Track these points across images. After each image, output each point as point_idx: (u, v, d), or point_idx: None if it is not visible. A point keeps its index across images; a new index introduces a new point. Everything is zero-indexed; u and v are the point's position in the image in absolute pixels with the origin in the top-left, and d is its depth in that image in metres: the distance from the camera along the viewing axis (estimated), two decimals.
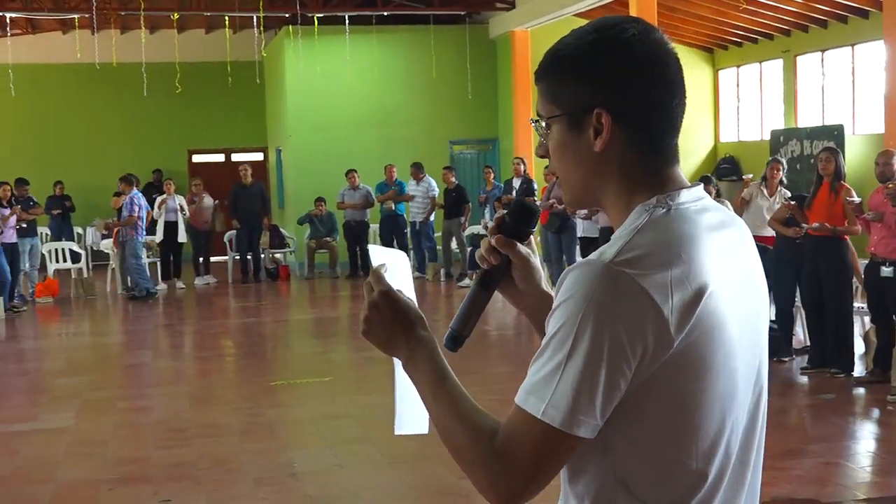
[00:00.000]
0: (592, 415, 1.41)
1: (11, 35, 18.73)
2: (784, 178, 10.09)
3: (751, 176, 14.94)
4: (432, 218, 16.46)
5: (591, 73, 1.53)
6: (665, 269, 1.42)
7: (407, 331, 1.64)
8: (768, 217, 9.87)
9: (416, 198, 16.40)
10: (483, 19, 19.29)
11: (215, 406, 8.35)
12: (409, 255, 14.51)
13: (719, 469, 1.51)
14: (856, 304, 8.97)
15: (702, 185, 1.60)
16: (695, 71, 18.28)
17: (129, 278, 15.33)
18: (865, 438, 7.24)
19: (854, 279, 8.84)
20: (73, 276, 15.93)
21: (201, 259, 16.85)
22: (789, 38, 16.60)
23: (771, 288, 9.17)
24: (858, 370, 8.52)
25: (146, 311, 14.28)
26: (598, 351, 1.40)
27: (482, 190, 16.27)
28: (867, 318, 8.90)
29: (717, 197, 10.19)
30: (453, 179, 16.16)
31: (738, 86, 18.55)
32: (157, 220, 16.22)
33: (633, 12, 13.39)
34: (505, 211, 1.76)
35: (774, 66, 17.21)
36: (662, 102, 1.54)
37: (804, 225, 8.69)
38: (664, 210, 1.51)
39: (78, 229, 19.01)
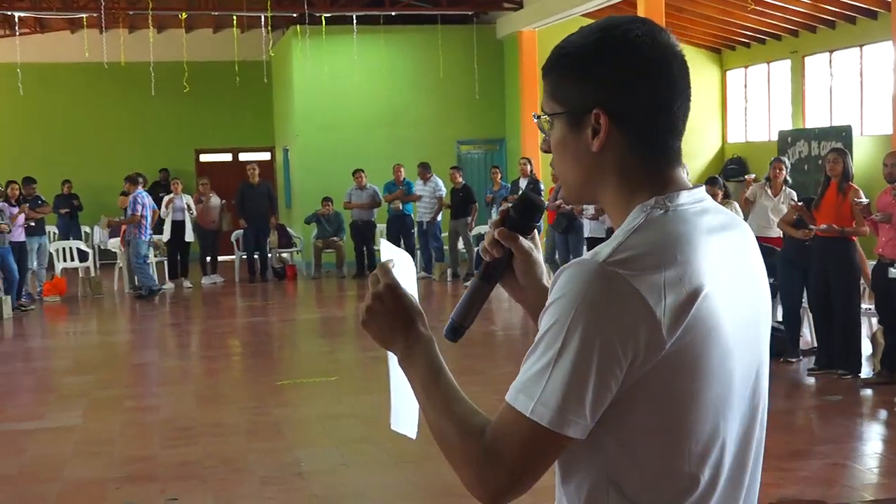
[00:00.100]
0: (582, 414, 1.41)
1: (20, 34, 18.77)
2: (788, 178, 10.07)
3: (753, 176, 14.93)
4: (439, 218, 16.46)
5: (592, 72, 1.53)
6: (659, 271, 1.42)
7: (407, 326, 1.64)
8: (773, 217, 9.86)
9: (423, 198, 16.40)
10: (490, 19, 19.29)
11: (222, 405, 8.36)
12: (416, 255, 14.52)
13: (713, 473, 1.50)
14: (863, 306, 8.95)
15: (703, 188, 1.59)
16: (702, 71, 18.26)
17: (135, 277, 15.35)
18: (873, 440, 7.22)
19: (862, 280, 8.82)
20: (80, 275, 15.97)
21: (208, 258, 16.87)
22: (797, 38, 16.58)
23: (778, 289, 9.24)
24: (866, 371, 8.51)
25: (153, 311, 14.31)
26: (589, 350, 1.39)
27: (489, 190, 16.26)
28: (875, 320, 8.89)
29: (726, 198, 10.17)
30: (460, 179, 16.16)
31: (745, 86, 18.54)
32: (164, 220, 16.26)
33: (640, 13, 13.38)
34: (510, 204, 1.76)
35: (782, 67, 17.19)
36: (663, 106, 1.53)
37: (812, 226, 8.67)
38: (662, 211, 1.50)
39: (86, 228, 19.06)
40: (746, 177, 14.80)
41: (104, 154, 20.78)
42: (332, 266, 17.25)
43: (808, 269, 8.81)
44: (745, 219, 9.78)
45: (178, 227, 16.26)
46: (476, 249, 15.76)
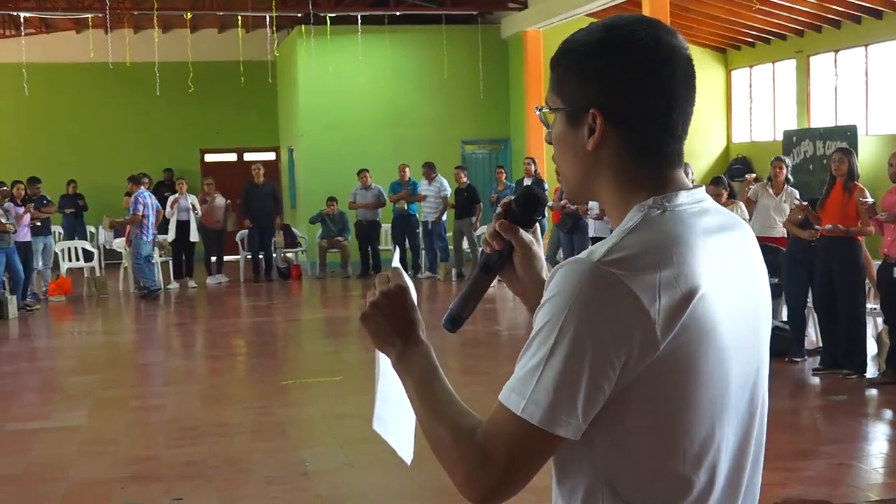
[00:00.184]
0: (574, 414, 1.40)
1: (25, 34, 18.81)
2: (790, 177, 10.05)
3: (754, 176, 14.91)
4: (444, 218, 16.46)
5: (592, 71, 1.52)
6: (654, 271, 1.41)
7: (408, 329, 1.65)
8: (775, 216, 9.86)
9: (427, 198, 16.40)
10: (495, 19, 19.29)
11: (227, 405, 8.36)
12: (420, 255, 14.49)
13: (709, 475, 1.49)
14: (868, 305, 8.94)
15: (703, 188, 1.59)
16: (707, 71, 18.24)
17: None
18: (878, 440, 7.21)
19: (867, 280, 8.81)
20: (85, 275, 15.98)
21: (213, 258, 16.88)
22: (802, 38, 16.55)
23: (783, 289, 9.23)
24: (871, 371, 8.49)
25: (158, 310, 14.33)
26: (582, 350, 1.39)
27: (494, 190, 16.26)
28: (880, 320, 8.88)
29: (731, 198, 10.15)
30: (465, 179, 16.15)
31: (750, 86, 18.51)
32: (169, 220, 16.27)
33: (645, 12, 13.37)
34: (513, 197, 1.76)
35: (787, 67, 17.17)
36: (661, 110, 1.52)
37: (817, 227, 8.66)
38: (659, 211, 1.49)
39: (91, 228, 19.09)
40: (747, 176, 14.76)
41: (109, 154, 20.81)
42: (336, 266, 17.26)
43: (813, 269, 8.80)
44: (750, 218, 9.78)
45: (183, 227, 16.27)
46: (480, 249, 15.75)
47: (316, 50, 18.04)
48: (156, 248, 15.62)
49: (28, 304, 14.03)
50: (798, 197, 9.84)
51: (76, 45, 19.86)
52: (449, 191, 16.36)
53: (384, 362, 1.71)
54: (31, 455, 6.92)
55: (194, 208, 16.36)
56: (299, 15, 17.85)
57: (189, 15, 17.82)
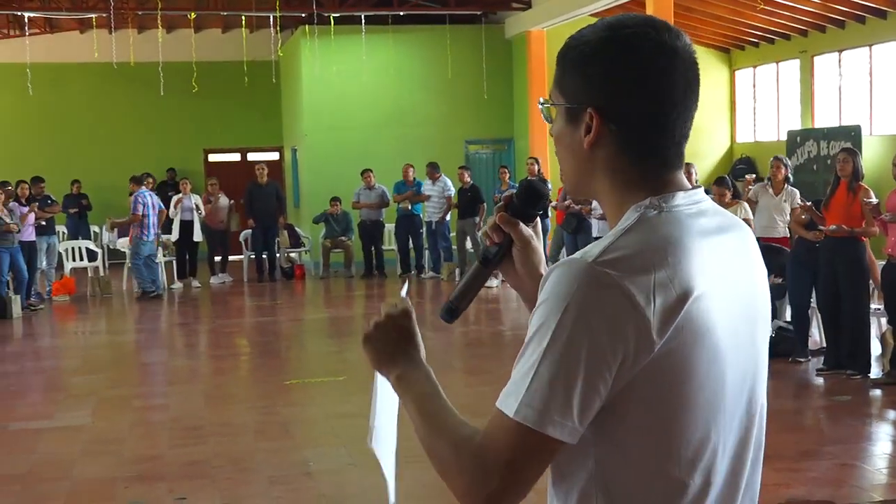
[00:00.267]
0: (569, 416, 1.39)
1: (29, 34, 18.82)
2: (790, 176, 10.04)
3: (753, 176, 14.91)
4: (448, 218, 16.46)
5: (592, 71, 1.52)
6: (649, 272, 1.40)
7: (410, 351, 1.66)
8: (776, 216, 9.86)
9: (431, 198, 16.40)
10: (499, 19, 19.28)
11: (230, 405, 8.37)
12: (424, 255, 14.47)
13: (704, 479, 1.47)
14: (872, 306, 8.93)
15: (702, 189, 1.58)
16: (711, 71, 18.22)
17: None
18: (882, 440, 7.20)
19: (871, 280, 8.80)
20: (89, 275, 15.99)
21: (217, 258, 16.90)
22: (806, 38, 16.53)
23: (787, 289, 9.22)
24: (875, 372, 8.48)
25: (162, 310, 14.34)
26: (576, 351, 1.38)
27: (497, 190, 16.25)
28: (884, 320, 8.87)
29: (735, 198, 10.14)
30: (468, 179, 16.15)
31: (754, 86, 18.49)
32: (172, 220, 16.29)
33: (649, 12, 13.35)
34: (515, 191, 1.76)
35: (791, 67, 17.15)
36: (660, 113, 1.51)
37: (821, 227, 8.65)
38: (656, 212, 1.49)
39: (94, 228, 19.11)
40: (747, 176, 14.76)
41: (113, 154, 20.83)
42: (340, 266, 17.26)
43: (817, 270, 8.79)
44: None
45: (186, 226, 16.28)
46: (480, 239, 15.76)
47: (320, 50, 18.04)
48: (160, 248, 15.63)
49: (32, 303, 14.05)
50: (799, 196, 9.84)
51: (80, 45, 19.88)
52: (453, 191, 16.36)
53: (382, 384, 1.71)
54: (35, 454, 6.93)
55: (198, 208, 16.37)
56: (303, 15, 17.86)
57: (193, 15, 17.84)
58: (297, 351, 11.49)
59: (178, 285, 16.20)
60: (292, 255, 17.68)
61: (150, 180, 16.25)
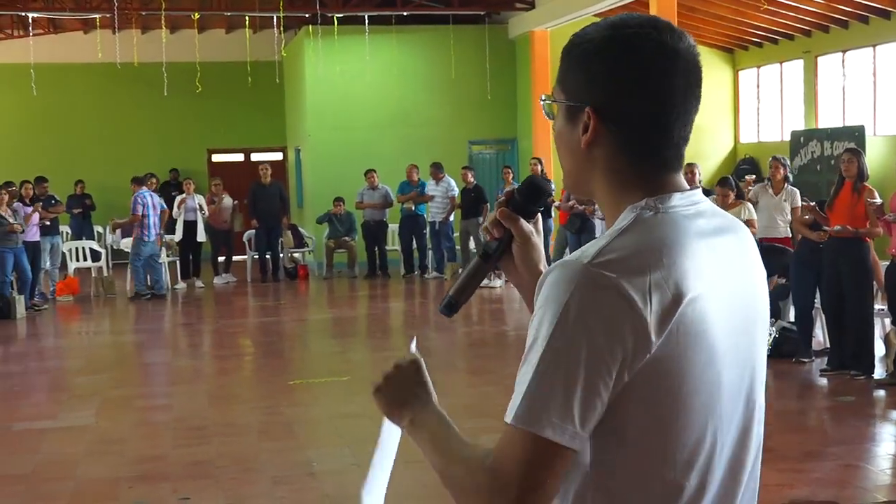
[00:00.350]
0: (569, 419, 1.37)
1: (33, 35, 18.84)
2: (789, 176, 10.03)
3: (754, 177, 14.90)
4: (451, 218, 16.46)
5: (593, 69, 1.51)
6: (644, 273, 1.40)
7: (422, 395, 1.66)
8: (776, 216, 9.86)
9: (435, 198, 16.41)
10: (502, 19, 19.28)
11: (234, 405, 8.37)
12: (427, 255, 14.45)
13: (700, 480, 1.47)
14: (876, 306, 8.92)
15: (700, 191, 1.57)
16: (715, 71, 18.21)
17: (148, 277, 15.31)
18: (886, 441, 7.20)
19: (875, 281, 8.79)
20: (93, 275, 16.01)
21: (220, 258, 16.90)
22: (810, 38, 16.52)
23: (790, 289, 9.21)
24: (879, 372, 8.47)
25: (165, 310, 14.35)
26: (575, 353, 1.37)
27: (501, 190, 16.24)
28: (888, 320, 8.86)
29: (738, 198, 10.14)
30: (472, 179, 16.15)
31: (758, 86, 18.48)
32: (176, 220, 16.30)
33: (652, 12, 13.35)
34: (516, 186, 1.76)
35: (795, 67, 17.14)
36: (659, 113, 1.50)
37: (826, 228, 8.64)
38: (652, 213, 1.48)
39: (98, 228, 19.11)
40: (746, 177, 14.75)
41: (117, 154, 20.84)
42: (343, 266, 17.26)
43: (821, 270, 8.77)
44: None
45: (190, 227, 16.29)
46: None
47: (323, 50, 18.05)
48: (163, 248, 15.63)
49: (36, 303, 14.06)
50: (799, 196, 9.84)
51: (84, 46, 19.89)
52: (456, 191, 16.35)
53: (388, 433, 1.73)
54: (39, 454, 6.94)
55: (201, 208, 16.39)
56: (307, 15, 17.86)
57: (197, 15, 17.86)
58: (301, 351, 11.49)
59: (181, 285, 16.21)
60: (296, 255, 17.69)
61: (154, 180, 16.26)
